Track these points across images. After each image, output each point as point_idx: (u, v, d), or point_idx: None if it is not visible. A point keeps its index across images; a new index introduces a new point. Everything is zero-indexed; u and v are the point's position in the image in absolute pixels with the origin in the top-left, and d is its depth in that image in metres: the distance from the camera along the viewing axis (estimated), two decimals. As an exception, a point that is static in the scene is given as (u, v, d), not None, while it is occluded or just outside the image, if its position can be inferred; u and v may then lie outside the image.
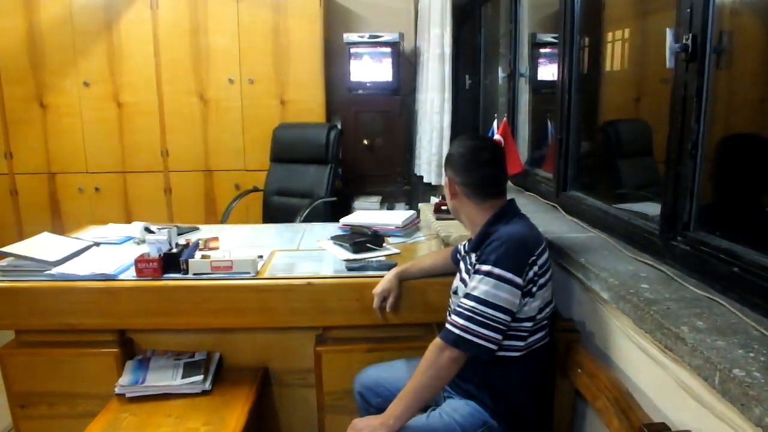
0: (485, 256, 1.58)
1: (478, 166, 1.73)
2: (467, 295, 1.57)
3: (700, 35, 1.38)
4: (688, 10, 1.41)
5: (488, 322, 1.52)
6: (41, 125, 4.38)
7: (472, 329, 1.53)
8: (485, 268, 1.55)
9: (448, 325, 1.57)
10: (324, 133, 4.04)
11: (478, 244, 1.69)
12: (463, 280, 1.73)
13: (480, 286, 1.55)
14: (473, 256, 1.71)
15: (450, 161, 1.77)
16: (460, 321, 1.54)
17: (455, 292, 1.78)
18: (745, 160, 1.51)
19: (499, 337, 1.55)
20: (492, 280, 1.53)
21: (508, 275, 1.53)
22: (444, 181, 1.82)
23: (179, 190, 4.51)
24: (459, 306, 1.57)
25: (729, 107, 1.56)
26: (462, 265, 1.82)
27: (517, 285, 1.54)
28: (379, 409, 1.93)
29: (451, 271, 2.08)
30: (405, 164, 4.60)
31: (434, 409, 1.73)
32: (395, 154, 4.52)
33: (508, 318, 1.54)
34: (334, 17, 4.62)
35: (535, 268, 1.58)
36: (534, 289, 1.59)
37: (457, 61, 4.03)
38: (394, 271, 2.09)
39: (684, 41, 1.40)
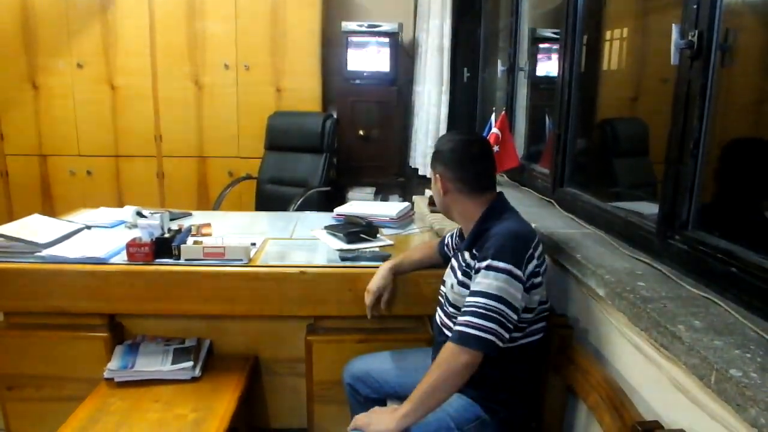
0: (484, 252, 1.56)
1: (472, 159, 1.72)
2: (472, 293, 1.55)
3: (707, 32, 1.37)
4: (695, 6, 1.39)
5: (492, 314, 1.49)
6: (33, 106, 4.33)
7: (477, 323, 1.49)
8: (485, 263, 1.54)
9: (456, 326, 1.54)
10: (319, 122, 4.02)
11: (472, 242, 1.67)
12: (457, 277, 1.71)
13: (482, 281, 1.53)
14: (466, 254, 1.70)
15: (440, 157, 1.74)
16: (466, 318, 1.52)
17: (450, 287, 1.75)
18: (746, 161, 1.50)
19: (503, 332, 1.51)
20: (491, 273, 1.52)
21: (508, 267, 1.51)
22: (433, 178, 1.77)
23: (172, 175, 4.47)
24: (465, 305, 1.55)
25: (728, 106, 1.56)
26: (454, 261, 1.79)
27: (517, 277, 1.52)
28: (368, 400, 1.94)
29: (437, 263, 2.08)
30: (400, 156, 4.59)
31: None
32: (391, 146, 4.50)
33: (512, 314, 1.51)
34: (332, 5, 4.58)
35: (534, 261, 1.57)
36: (536, 280, 1.58)
37: (456, 54, 4.02)
38: (387, 265, 2.06)
39: (690, 38, 1.39)
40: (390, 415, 1.54)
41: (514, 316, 1.53)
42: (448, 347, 1.53)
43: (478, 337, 1.49)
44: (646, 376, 1.37)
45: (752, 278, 1.24)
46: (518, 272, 1.52)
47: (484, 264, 1.54)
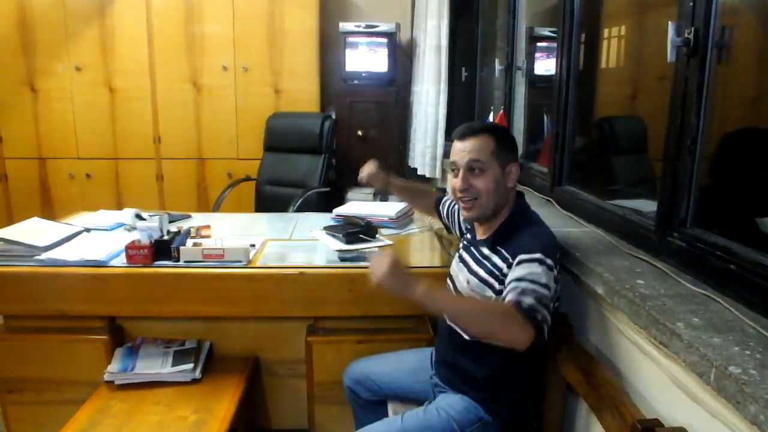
0: (528, 246, 1.52)
1: None
2: (522, 279, 1.44)
3: (703, 29, 1.37)
4: (691, 4, 1.39)
5: (547, 303, 1.43)
6: (32, 110, 4.34)
7: (540, 310, 1.40)
8: (536, 255, 1.48)
9: (525, 307, 1.39)
10: (318, 123, 4.02)
11: (498, 240, 1.65)
12: (474, 273, 1.67)
13: (535, 269, 1.46)
14: (486, 250, 1.67)
15: (513, 145, 1.73)
16: (530, 300, 1.40)
17: (465, 283, 1.70)
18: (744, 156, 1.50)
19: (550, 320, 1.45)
20: (544, 267, 1.47)
21: (551, 262, 1.49)
22: (504, 170, 1.65)
23: (171, 177, 4.47)
24: (526, 291, 1.42)
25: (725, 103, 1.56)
26: (466, 255, 1.76)
27: (554, 276, 1.51)
28: (369, 403, 1.94)
29: (426, 210, 2.19)
30: (399, 156, 4.59)
31: (429, 403, 1.72)
32: (389, 146, 4.50)
33: (551, 303, 1.47)
34: (330, 6, 4.58)
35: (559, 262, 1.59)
36: (558, 278, 1.58)
37: (454, 53, 4.01)
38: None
39: (686, 35, 1.39)
40: (416, 283, 1.41)
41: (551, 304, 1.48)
42: (517, 316, 1.37)
43: (541, 327, 1.41)
44: (646, 374, 1.37)
45: (751, 275, 1.23)
46: (555, 272, 1.52)
47: (535, 255, 1.48)
